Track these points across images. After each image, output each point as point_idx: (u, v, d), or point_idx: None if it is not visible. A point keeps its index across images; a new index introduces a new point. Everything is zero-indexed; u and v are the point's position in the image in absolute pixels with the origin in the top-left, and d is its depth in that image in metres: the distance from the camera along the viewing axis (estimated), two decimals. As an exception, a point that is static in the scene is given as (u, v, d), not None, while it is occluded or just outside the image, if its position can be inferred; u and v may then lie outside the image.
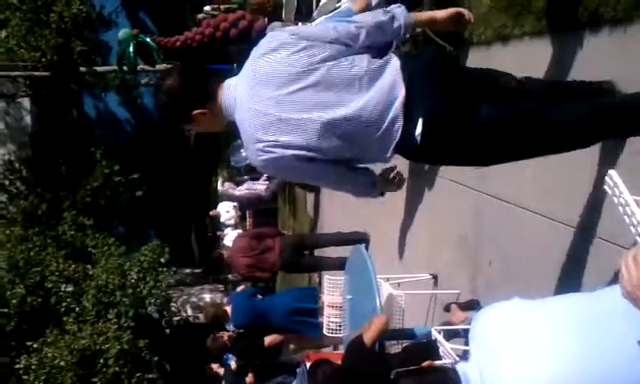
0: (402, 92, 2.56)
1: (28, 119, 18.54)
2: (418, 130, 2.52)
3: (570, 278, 3.73)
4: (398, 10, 2.72)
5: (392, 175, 3.02)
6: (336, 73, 2.57)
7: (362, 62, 2.61)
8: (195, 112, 2.67)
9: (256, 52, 2.68)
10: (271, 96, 2.56)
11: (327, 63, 2.57)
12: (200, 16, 13.52)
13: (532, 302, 2.38)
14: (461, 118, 2.58)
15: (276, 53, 2.59)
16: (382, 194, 3.04)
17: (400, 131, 2.58)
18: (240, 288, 7.17)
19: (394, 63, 2.63)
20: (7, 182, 16.93)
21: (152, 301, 13.58)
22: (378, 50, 2.68)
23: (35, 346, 12.05)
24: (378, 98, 2.56)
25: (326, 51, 2.58)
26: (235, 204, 13.67)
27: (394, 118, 2.56)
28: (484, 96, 2.74)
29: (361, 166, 2.88)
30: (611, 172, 2.12)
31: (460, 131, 2.59)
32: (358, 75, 2.58)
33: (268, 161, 2.62)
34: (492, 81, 2.95)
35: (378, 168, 3.01)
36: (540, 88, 3.07)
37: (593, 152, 3.53)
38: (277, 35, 2.67)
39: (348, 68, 2.58)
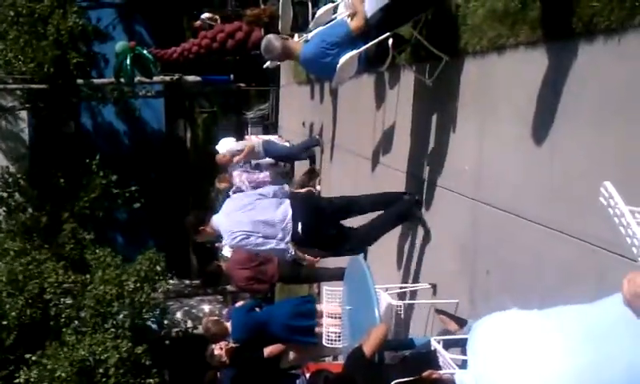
0: (289, 214, 5.61)
1: (26, 132, 18.55)
2: (299, 229, 5.57)
3: (569, 287, 3.74)
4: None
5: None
6: (262, 203, 5.75)
7: (274, 201, 5.78)
8: (200, 229, 5.87)
9: (232, 196, 6.42)
10: (234, 214, 5.75)
11: (258, 201, 5.77)
12: (197, 23, 13.55)
13: (530, 313, 2.39)
14: (315, 228, 5.66)
15: (236, 199, 6.17)
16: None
17: (291, 230, 5.58)
18: (239, 303, 7.14)
19: (287, 202, 5.71)
20: (5, 195, 16.91)
21: (149, 309, 13.55)
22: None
23: (34, 358, 12.00)
24: (279, 215, 5.61)
25: (262, 195, 5.89)
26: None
27: (287, 223, 5.58)
28: (331, 217, 5.77)
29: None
30: (606, 183, 2.13)
31: (316, 237, 5.77)
32: (272, 204, 5.73)
33: (235, 239, 5.66)
34: (341, 210, 5.86)
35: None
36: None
37: (591, 163, 3.55)
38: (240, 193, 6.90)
39: (267, 202, 5.76)
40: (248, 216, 5.66)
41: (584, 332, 2.15)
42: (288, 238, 5.60)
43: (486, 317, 2.50)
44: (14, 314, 12.67)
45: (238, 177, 10.04)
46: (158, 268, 13.91)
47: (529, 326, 2.30)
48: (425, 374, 3.55)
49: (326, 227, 5.72)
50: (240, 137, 14.41)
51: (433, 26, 5.42)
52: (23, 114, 18.22)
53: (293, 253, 5.75)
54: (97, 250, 14.37)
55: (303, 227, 5.57)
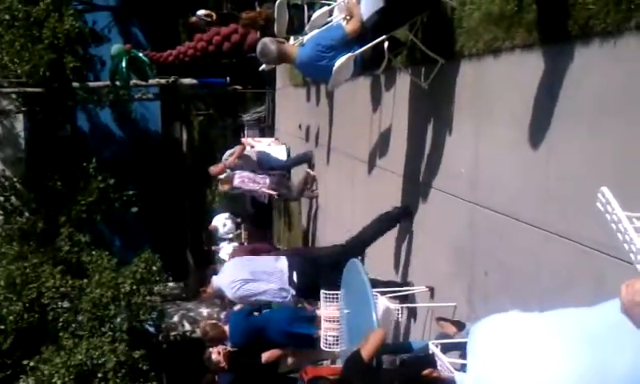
0: (286, 264, 6.01)
1: (22, 135, 18.52)
2: (294, 277, 5.94)
3: (566, 289, 3.74)
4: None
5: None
6: (260, 258, 6.66)
7: (272, 256, 6.50)
8: (201, 290, 6.68)
9: (233, 260, 7.08)
10: (234, 269, 6.26)
11: (256, 259, 6.66)
12: (193, 19, 13.55)
13: (530, 315, 2.39)
14: (311, 275, 5.95)
15: (235, 260, 6.87)
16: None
17: (288, 278, 5.94)
18: (237, 307, 7.13)
19: (284, 258, 6.14)
20: (2, 199, 16.88)
21: (146, 311, 13.52)
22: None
23: (32, 364, 11.97)
24: (278, 266, 6.02)
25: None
26: (231, 215, 13.66)
27: (284, 272, 5.95)
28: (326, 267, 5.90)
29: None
30: (603, 189, 2.13)
31: (310, 280, 5.93)
32: (270, 258, 6.36)
33: (235, 287, 5.97)
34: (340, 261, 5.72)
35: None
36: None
37: (588, 166, 3.55)
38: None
39: (265, 257, 6.61)
40: (247, 268, 6.16)
41: (583, 336, 2.15)
42: (286, 286, 5.98)
43: (485, 318, 2.50)
44: (11, 318, 12.64)
45: (239, 178, 10.03)
46: (154, 268, 13.89)
47: (529, 328, 2.29)
48: (425, 372, 3.56)
49: (325, 280, 5.84)
50: (237, 139, 14.44)
51: (429, 28, 5.42)
52: (19, 117, 18.19)
53: (293, 293, 6.00)
54: (93, 252, 14.35)
55: (299, 277, 5.97)
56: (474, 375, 2.32)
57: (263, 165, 10.49)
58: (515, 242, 4.34)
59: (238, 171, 10.11)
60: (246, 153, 10.49)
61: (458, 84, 5.14)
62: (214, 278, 6.24)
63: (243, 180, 10.00)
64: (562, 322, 2.26)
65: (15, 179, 17.25)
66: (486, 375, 2.23)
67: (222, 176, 10.15)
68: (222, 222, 13.55)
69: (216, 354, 6.27)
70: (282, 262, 6.06)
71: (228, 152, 10.40)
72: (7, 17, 15.87)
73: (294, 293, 5.97)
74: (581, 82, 3.63)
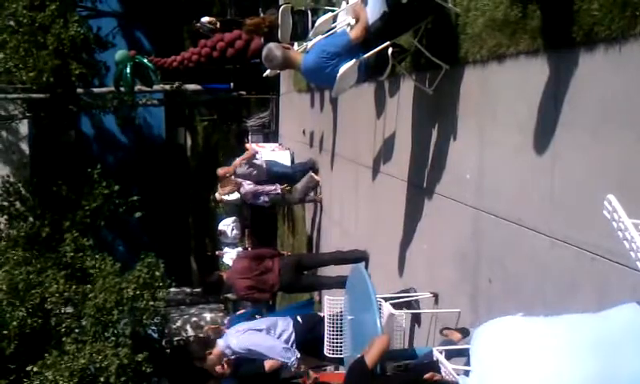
0: (290, 322, 6.22)
1: (27, 141, 18.58)
2: (299, 318, 6.25)
3: (571, 295, 3.73)
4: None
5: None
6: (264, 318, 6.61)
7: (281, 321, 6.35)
8: (206, 353, 6.08)
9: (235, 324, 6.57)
10: (239, 324, 6.36)
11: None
12: (197, 24, 13.60)
13: (536, 319, 2.39)
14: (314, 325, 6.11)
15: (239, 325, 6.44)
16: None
17: (293, 320, 6.22)
18: (240, 311, 7.15)
19: (291, 325, 6.23)
20: (7, 204, 16.92)
21: (150, 316, 13.53)
22: None
23: (35, 369, 11.99)
24: (285, 318, 6.30)
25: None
26: (237, 219, 13.67)
27: (288, 319, 6.24)
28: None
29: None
30: (610, 197, 2.12)
31: (313, 330, 6.06)
32: (275, 318, 6.48)
33: (239, 332, 6.11)
34: None
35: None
36: None
37: (593, 173, 3.54)
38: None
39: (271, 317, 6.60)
40: (252, 322, 6.40)
41: (587, 341, 2.14)
42: (290, 330, 6.14)
43: (489, 322, 2.49)
44: (15, 323, 12.66)
45: (245, 184, 10.03)
46: (157, 273, 13.91)
47: (532, 332, 2.29)
48: (426, 376, 3.55)
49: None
50: (240, 145, 14.45)
51: (433, 34, 5.42)
52: (24, 122, 18.26)
53: (298, 356, 6.05)
54: (97, 257, 14.38)
55: (304, 319, 6.26)
56: (477, 377, 2.31)
57: (271, 174, 10.51)
58: (520, 248, 4.33)
59: (246, 181, 10.13)
60: (256, 162, 10.49)
61: (462, 90, 5.14)
62: (219, 341, 6.24)
63: (261, 187, 10.04)
64: (566, 327, 2.26)
65: (20, 184, 17.30)
66: (488, 377, 2.23)
67: (222, 170, 10.20)
68: (229, 226, 13.56)
69: (219, 366, 6.23)
70: (287, 317, 6.37)
71: (239, 158, 10.46)
72: (12, 23, 15.94)
73: (298, 355, 6.03)
74: (585, 89, 3.62)
